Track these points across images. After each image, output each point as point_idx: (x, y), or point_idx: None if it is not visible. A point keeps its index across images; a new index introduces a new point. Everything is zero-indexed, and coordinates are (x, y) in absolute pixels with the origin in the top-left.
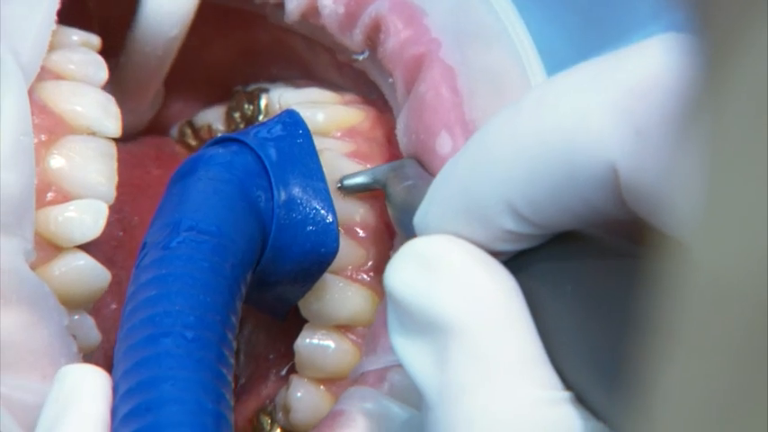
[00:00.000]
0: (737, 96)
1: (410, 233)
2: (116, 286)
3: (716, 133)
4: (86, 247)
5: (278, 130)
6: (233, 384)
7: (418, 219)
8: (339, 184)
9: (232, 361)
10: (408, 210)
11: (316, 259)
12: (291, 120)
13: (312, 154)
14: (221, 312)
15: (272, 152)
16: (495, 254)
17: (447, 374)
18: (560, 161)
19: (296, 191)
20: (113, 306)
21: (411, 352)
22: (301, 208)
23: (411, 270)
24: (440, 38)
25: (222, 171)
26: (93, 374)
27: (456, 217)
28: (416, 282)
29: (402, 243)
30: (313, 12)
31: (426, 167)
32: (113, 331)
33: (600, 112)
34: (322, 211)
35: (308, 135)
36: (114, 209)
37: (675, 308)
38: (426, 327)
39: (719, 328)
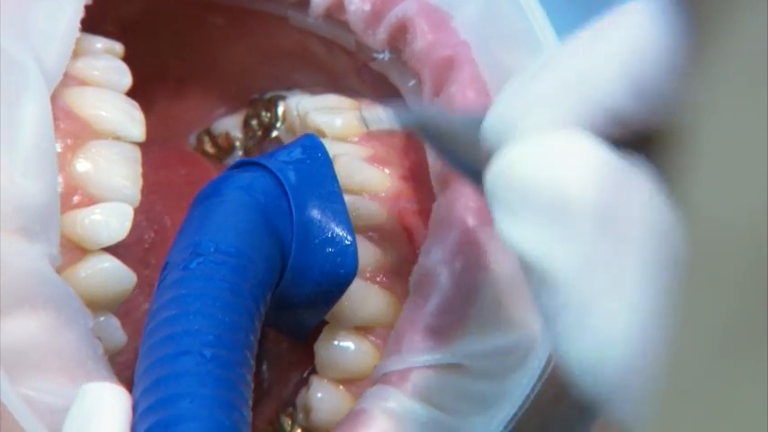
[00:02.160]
0: (733, 50)
1: (457, 163)
2: (149, 288)
3: (712, 83)
4: (118, 250)
5: (297, 153)
6: (255, 389)
7: (496, 120)
8: (360, 117)
9: (250, 379)
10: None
11: (335, 281)
12: (311, 143)
13: (331, 176)
14: (240, 332)
15: (292, 175)
16: None
17: (581, 247)
18: None
19: (315, 213)
20: (145, 306)
21: (528, 235)
22: (320, 230)
23: (532, 154)
24: (468, 40)
25: (242, 194)
26: (114, 392)
27: (560, 103)
28: (538, 162)
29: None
30: (338, 7)
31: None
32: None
33: None
34: (341, 233)
35: (326, 158)
36: (143, 210)
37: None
38: (546, 207)
39: (721, 269)
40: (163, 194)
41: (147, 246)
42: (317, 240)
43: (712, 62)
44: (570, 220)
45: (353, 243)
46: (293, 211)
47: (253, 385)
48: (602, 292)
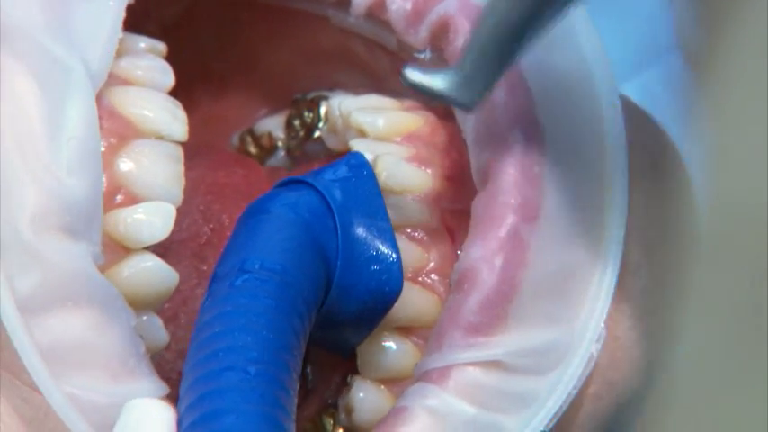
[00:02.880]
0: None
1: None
2: (205, 280)
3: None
4: (171, 245)
5: (343, 171)
6: (298, 389)
7: None
8: (401, 73)
9: (294, 395)
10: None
11: (380, 298)
12: (356, 161)
13: (376, 194)
14: (284, 348)
15: (338, 193)
16: None
17: None
18: None
19: (360, 231)
20: (202, 300)
21: None
22: (366, 248)
23: None
24: None
25: (288, 211)
26: (159, 408)
27: None
28: None
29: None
30: (379, 6)
31: (499, 166)
32: None
33: None
34: (386, 251)
35: (371, 176)
36: (199, 209)
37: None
38: None
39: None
40: (221, 194)
41: (201, 242)
42: (362, 258)
43: (727, 48)
44: None
45: (398, 260)
46: (339, 229)
47: (297, 400)
48: None
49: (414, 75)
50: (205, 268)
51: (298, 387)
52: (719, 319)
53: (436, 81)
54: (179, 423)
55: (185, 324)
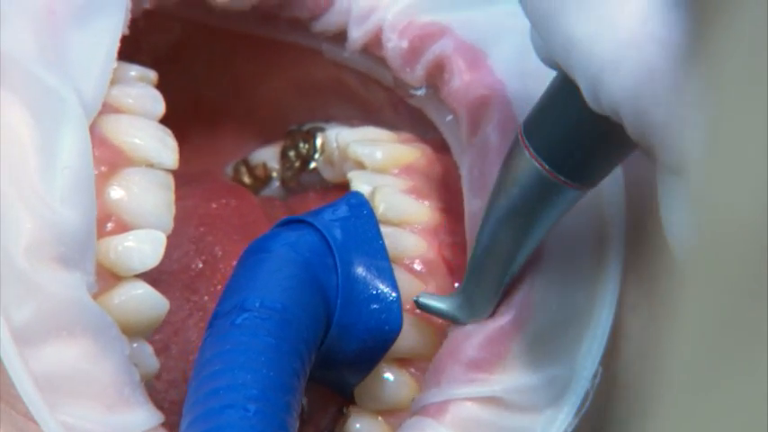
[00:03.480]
0: (733, 39)
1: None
2: (199, 312)
3: (714, 77)
4: (161, 277)
5: (343, 210)
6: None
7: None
8: (415, 300)
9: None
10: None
11: (380, 337)
12: (356, 201)
13: (376, 234)
14: (284, 386)
15: (338, 232)
16: None
17: None
18: None
19: (360, 270)
20: (193, 331)
21: None
22: (365, 287)
23: None
24: (503, 79)
25: (289, 251)
26: None
27: None
28: None
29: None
30: (376, 43)
31: None
32: (195, 352)
33: None
34: (386, 290)
35: (371, 215)
36: (192, 240)
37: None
38: None
39: (722, 257)
40: (213, 226)
41: (193, 274)
42: (361, 297)
43: (715, 54)
44: None
45: (398, 300)
46: (339, 268)
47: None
48: None
49: (426, 299)
50: (196, 299)
51: (297, 425)
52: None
53: (445, 305)
54: None
55: (176, 354)
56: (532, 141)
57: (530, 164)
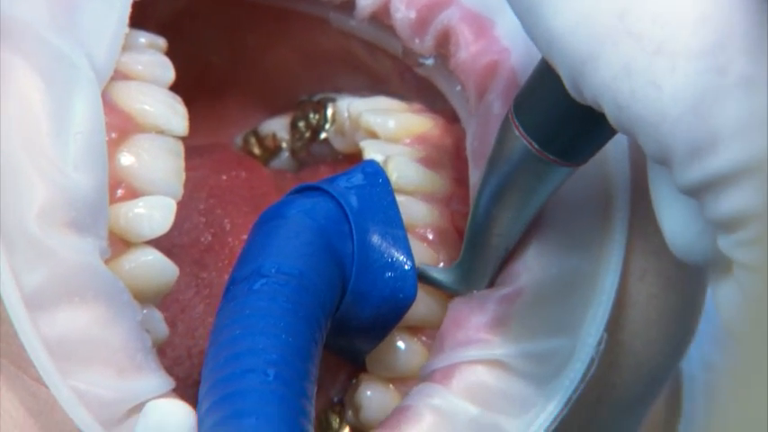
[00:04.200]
0: None
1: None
2: (206, 289)
3: None
4: (173, 250)
5: (359, 179)
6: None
7: None
8: (419, 272)
9: (312, 396)
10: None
11: (394, 305)
12: (372, 169)
13: (391, 202)
14: (303, 351)
15: (353, 200)
16: None
17: None
18: None
19: (375, 238)
20: (200, 308)
21: None
22: (381, 254)
23: None
24: (509, 47)
25: (304, 217)
26: (179, 409)
27: None
28: None
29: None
30: (384, 12)
31: None
32: (201, 329)
33: None
34: (401, 258)
35: (387, 184)
36: (201, 212)
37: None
38: None
39: None
40: (224, 198)
41: (202, 248)
42: (376, 265)
43: None
44: None
45: (413, 268)
46: (354, 235)
47: (314, 400)
48: None
49: (426, 270)
50: (204, 275)
51: (316, 388)
52: None
53: (444, 276)
54: (199, 424)
55: (183, 332)
56: (522, 119)
57: (519, 142)
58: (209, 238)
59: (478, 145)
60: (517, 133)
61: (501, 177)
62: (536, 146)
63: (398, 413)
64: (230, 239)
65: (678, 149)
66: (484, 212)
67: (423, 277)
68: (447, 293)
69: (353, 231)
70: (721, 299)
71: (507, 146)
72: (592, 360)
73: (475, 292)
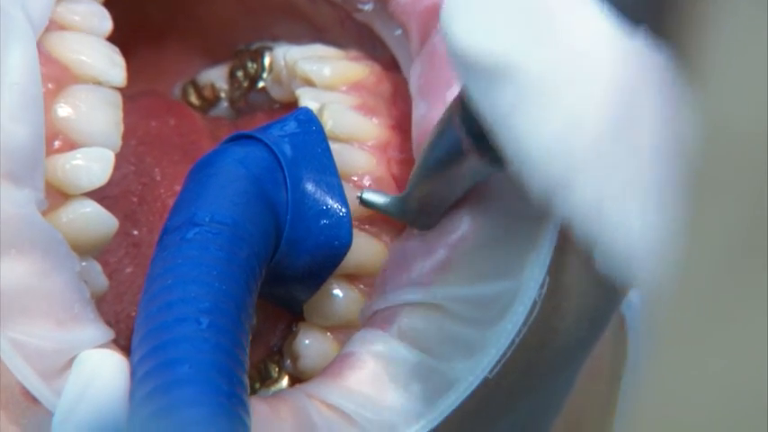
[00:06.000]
0: None
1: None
2: (134, 248)
3: None
4: (105, 202)
5: (292, 126)
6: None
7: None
8: (359, 196)
9: (246, 345)
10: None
11: (329, 252)
12: (305, 117)
13: (326, 150)
14: (236, 300)
15: (287, 148)
16: None
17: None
18: None
19: (310, 186)
20: (129, 270)
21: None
22: (315, 202)
23: None
24: None
25: (238, 166)
26: (112, 359)
27: None
28: None
29: None
30: None
31: (435, 116)
32: (129, 294)
33: None
34: (335, 206)
35: (321, 131)
36: (132, 161)
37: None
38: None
39: (732, 175)
40: (153, 146)
41: (134, 200)
42: (311, 213)
43: None
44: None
45: (348, 215)
46: (288, 183)
47: (249, 349)
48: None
49: (370, 195)
50: (136, 233)
51: (250, 338)
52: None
53: (389, 205)
54: (132, 374)
55: (111, 298)
56: (464, 112)
57: (455, 133)
58: (141, 189)
59: (424, 83)
60: (454, 124)
61: (435, 163)
62: (471, 142)
63: (340, 360)
64: (162, 191)
65: None
66: (419, 187)
67: (366, 203)
68: (385, 240)
69: (287, 179)
70: None
71: (445, 134)
72: (534, 303)
73: (416, 232)
